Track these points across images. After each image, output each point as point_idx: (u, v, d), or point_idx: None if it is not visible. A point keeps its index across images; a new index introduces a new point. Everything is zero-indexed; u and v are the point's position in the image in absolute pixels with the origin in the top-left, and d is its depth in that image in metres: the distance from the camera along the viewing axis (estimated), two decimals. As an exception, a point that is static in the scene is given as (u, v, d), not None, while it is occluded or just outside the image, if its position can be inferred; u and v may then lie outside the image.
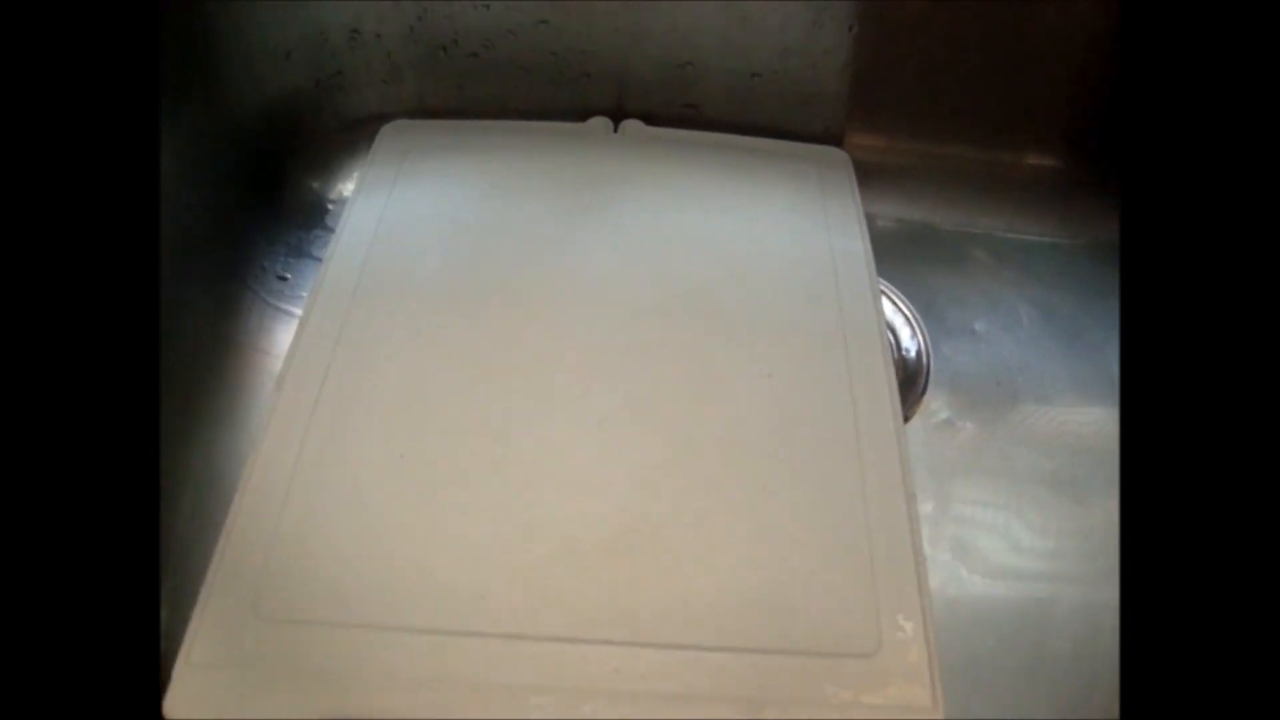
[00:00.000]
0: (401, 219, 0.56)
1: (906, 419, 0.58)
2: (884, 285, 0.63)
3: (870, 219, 0.59)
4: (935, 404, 0.60)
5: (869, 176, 0.62)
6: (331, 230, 0.63)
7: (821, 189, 0.60)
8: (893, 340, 0.61)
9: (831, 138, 0.65)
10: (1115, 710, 0.31)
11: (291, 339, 0.49)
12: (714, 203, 0.58)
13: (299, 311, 0.59)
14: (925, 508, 0.55)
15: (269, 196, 0.63)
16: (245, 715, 0.37)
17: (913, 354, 0.61)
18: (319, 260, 0.62)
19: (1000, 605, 0.52)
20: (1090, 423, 0.60)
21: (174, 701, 0.37)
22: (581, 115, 0.65)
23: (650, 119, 0.64)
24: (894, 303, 0.63)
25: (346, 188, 0.66)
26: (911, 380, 0.60)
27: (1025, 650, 0.51)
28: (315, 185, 0.66)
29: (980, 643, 0.51)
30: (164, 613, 0.46)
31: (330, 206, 0.65)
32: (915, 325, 0.62)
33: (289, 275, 0.62)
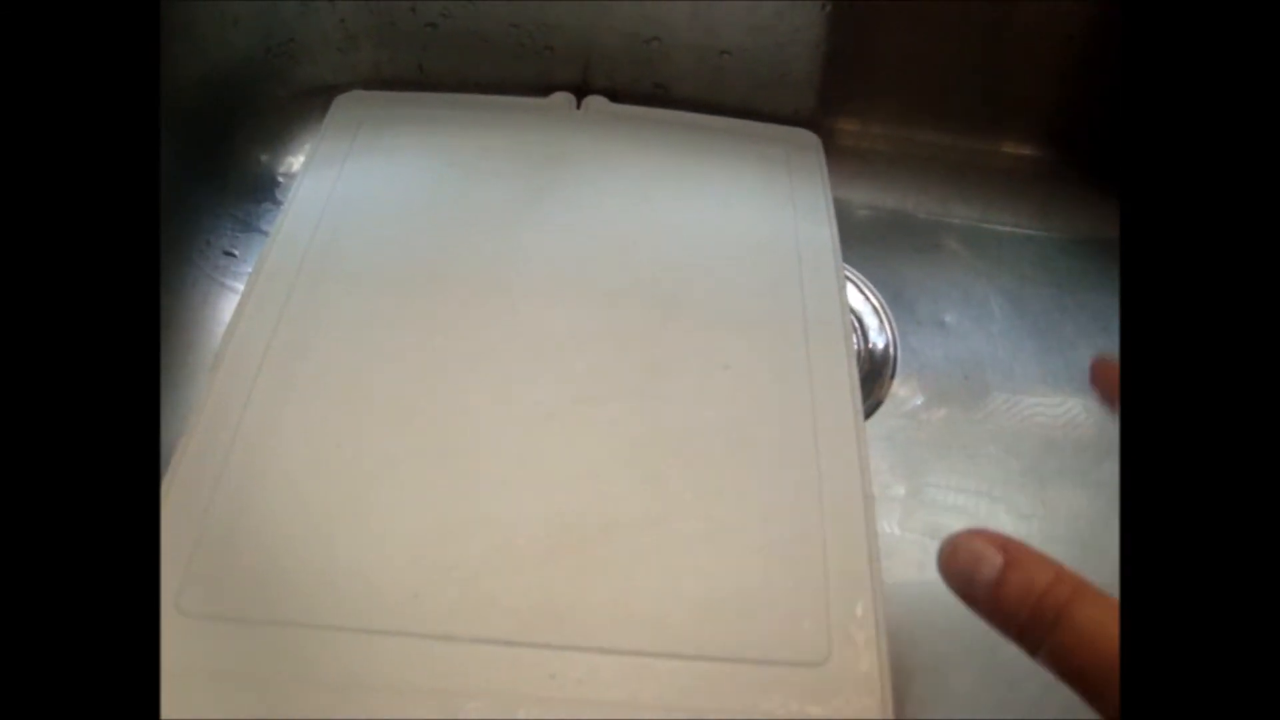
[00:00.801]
0: (352, 195, 0.54)
1: (872, 411, 0.56)
2: (852, 274, 0.62)
3: (840, 205, 0.57)
4: (902, 397, 0.58)
5: (841, 161, 0.61)
6: (281, 204, 0.61)
7: (789, 172, 0.58)
8: (859, 330, 0.59)
9: (803, 120, 0.63)
10: (1076, 711, 0.30)
11: (230, 317, 0.47)
12: (676, 184, 0.56)
13: (244, 288, 0.56)
14: (890, 503, 0.53)
15: (214, 169, 0.61)
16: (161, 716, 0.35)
17: (880, 345, 0.59)
18: (267, 235, 0.60)
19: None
20: (1060, 418, 0.58)
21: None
22: (544, 90, 0.62)
23: (615, 96, 0.62)
24: (862, 292, 0.61)
25: (297, 161, 0.63)
26: (878, 371, 0.58)
27: (983, 650, 0.50)
28: (264, 158, 0.63)
29: (938, 645, 0.50)
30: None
31: (280, 180, 0.63)
32: (883, 315, 0.61)
33: (236, 251, 0.60)
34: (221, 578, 0.39)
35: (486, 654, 0.37)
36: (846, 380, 0.47)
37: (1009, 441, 0.57)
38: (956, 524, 0.52)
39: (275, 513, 0.41)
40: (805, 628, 0.39)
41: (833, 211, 0.55)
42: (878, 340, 0.60)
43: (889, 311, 0.61)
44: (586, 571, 0.40)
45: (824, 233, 0.54)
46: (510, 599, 0.39)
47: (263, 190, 0.62)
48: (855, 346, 0.50)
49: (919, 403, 0.58)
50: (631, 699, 0.37)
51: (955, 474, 0.55)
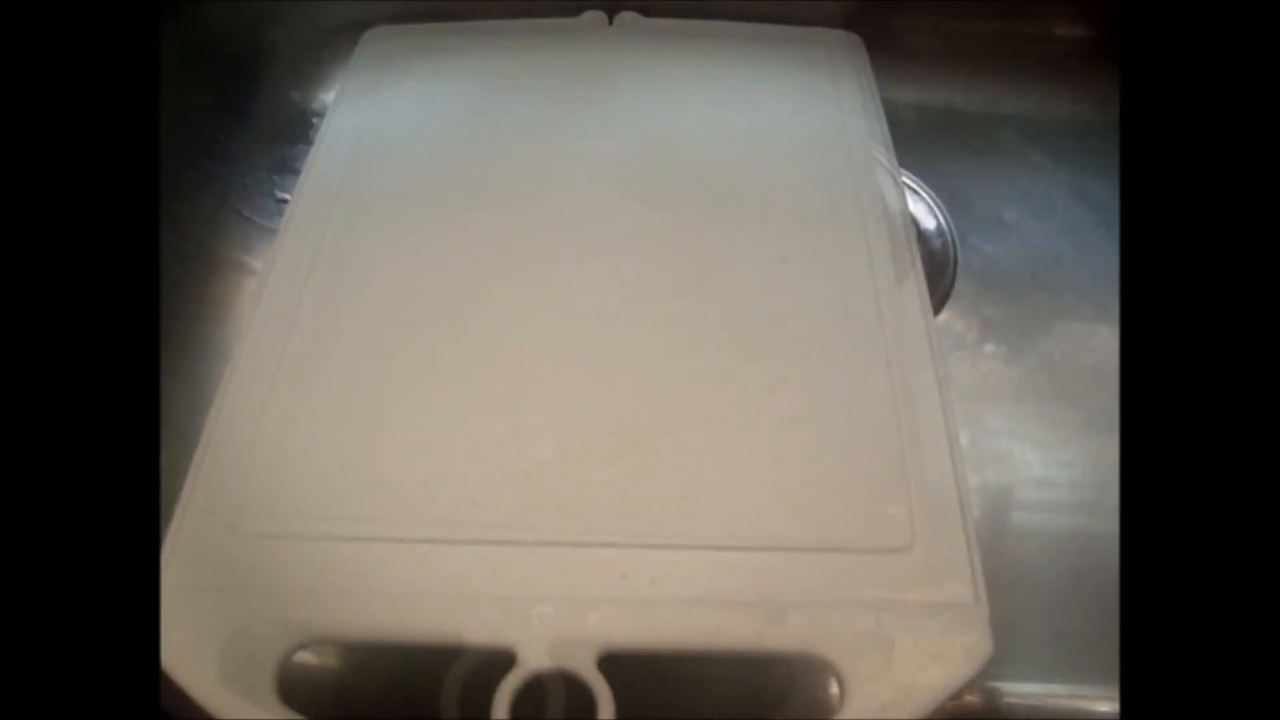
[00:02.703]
0: (386, 124, 0.53)
1: (935, 311, 0.54)
2: (905, 175, 0.59)
3: (889, 106, 0.54)
4: (964, 297, 0.55)
5: (885, 60, 0.58)
6: (315, 143, 0.60)
7: (833, 74, 0.56)
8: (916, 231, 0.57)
9: (843, 22, 0.60)
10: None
11: (270, 249, 0.46)
12: (717, 91, 0.55)
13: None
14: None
15: (248, 112, 0.60)
16: (225, 639, 0.34)
17: (938, 245, 0.57)
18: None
19: (1040, 521, 0.49)
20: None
21: (147, 627, 0.34)
22: (574, 10, 0.60)
23: (647, 10, 0.60)
24: (916, 192, 0.59)
25: (330, 98, 0.62)
26: (939, 272, 0.56)
27: (1070, 559, 0.47)
28: (296, 97, 0.62)
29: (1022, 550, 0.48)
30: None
31: (315, 120, 0.62)
32: (940, 215, 0.58)
33: (288, 196, 0.59)
34: (276, 498, 0.38)
35: (552, 557, 0.36)
36: (908, 263, 0.45)
37: (1080, 340, 0.54)
38: (1031, 432, 0.51)
39: (326, 429, 0.40)
40: (886, 514, 0.37)
41: (880, 108, 0.53)
42: (936, 239, 0.57)
43: (946, 212, 0.59)
44: (652, 468, 0.38)
45: (873, 127, 0.52)
46: (574, 500, 0.37)
47: (298, 131, 0.61)
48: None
49: (983, 301, 0.55)
50: (707, 595, 0.35)
51: (1025, 376, 0.53)
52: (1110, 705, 0.44)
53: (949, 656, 0.34)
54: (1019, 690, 0.44)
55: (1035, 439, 0.51)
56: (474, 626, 0.34)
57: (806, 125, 0.52)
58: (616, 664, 0.33)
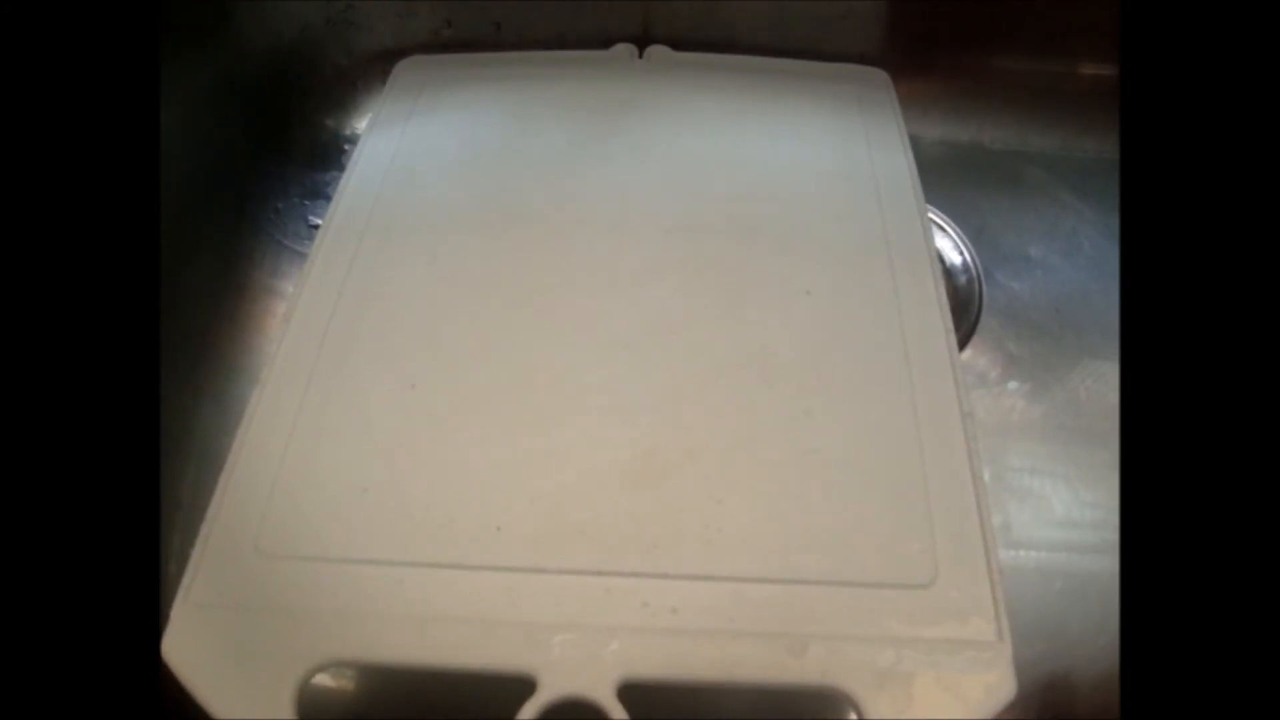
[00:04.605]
0: (416, 152, 0.53)
1: (960, 348, 0.54)
2: (931, 211, 0.59)
3: (914, 142, 0.54)
4: (989, 334, 0.55)
5: (912, 97, 0.59)
6: (347, 169, 0.61)
7: (861, 109, 0.56)
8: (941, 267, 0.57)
9: (870, 59, 0.61)
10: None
11: (300, 273, 0.47)
12: (744, 124, 0.55)
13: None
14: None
15: (282, 139, 0.61)
16: (246, 659, 0.34)
17: (964, 281, 0.57)
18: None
19: (1063, 561, 0.49)
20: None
21: (172, 642, 0.34)
22: (605, 44, 0.61)
23: (677, 45, 0.61)
24: (942, 228, 0.59)
25: (362, 126, 0.63)
26: (963, 308, 0.56)
27: (1093, 599, 0.47)
28: (330, 124, 0.63)
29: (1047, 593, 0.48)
30: (173, 561, 0.44)
31: (347, 147, 0.63)
32: (966, 251, 0.58)
33: (319, 221, 0.60)
34: (300, 520, 0.38)
35: (575, 585, 0.36)
36: (934, 297, 0.45)
37: (1108, 378, 0.54)
38: (1057, 470, 0.50)
39: (351, 454, 0.40)
40: (909, 549, 0.37)
41: (908, 143, 0.53)
42: (961, 275, 0.57)
43: (972, 248, 0.59)
44: (675, 498, 0.38)
45: (901, 162, 0.52)
46: (597, 529, 0.37)
47: (330, 158, 0.62)
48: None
49: (1009, 338, 0.55)
50: (728, 626, 0.35)
51: (1052, 412, 0.53)
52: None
53: (970, 695, 0.33)
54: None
55: (1059, 477, 0.51)
56: (494, 652, 0.34)
57: (834, 160, 0.52)
58: (637, 692, 0.33)
